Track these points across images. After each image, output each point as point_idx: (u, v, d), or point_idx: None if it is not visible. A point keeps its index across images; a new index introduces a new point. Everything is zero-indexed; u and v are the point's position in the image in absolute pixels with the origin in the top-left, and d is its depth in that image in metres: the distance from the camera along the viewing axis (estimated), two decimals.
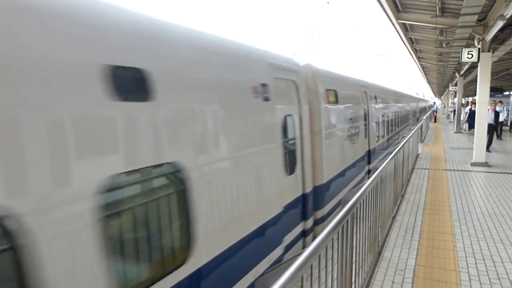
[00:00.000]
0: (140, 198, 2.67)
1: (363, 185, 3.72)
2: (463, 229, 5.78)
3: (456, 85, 25.95)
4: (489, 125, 14.67)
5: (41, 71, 1.97)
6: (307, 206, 5.87)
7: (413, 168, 10.75)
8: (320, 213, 6.29)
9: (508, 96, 29.46)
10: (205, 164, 3.31)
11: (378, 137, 12.19)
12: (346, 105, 8.20)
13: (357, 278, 3.61)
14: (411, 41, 17.31)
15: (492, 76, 30.39)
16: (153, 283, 2.64)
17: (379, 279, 4.22)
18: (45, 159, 1.96)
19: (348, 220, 3.05)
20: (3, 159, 1.80)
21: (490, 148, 14.35)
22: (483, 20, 10.83)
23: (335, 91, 7.38)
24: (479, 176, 9.78)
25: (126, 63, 2.53)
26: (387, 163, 5.27)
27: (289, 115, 5.33)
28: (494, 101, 18.52)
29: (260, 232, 4.26)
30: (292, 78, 5.57)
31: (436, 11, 10.95)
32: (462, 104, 25.86)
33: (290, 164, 5.29)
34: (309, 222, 5.91)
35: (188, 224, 3.03)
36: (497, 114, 16.77)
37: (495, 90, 34.31)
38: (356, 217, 3.94)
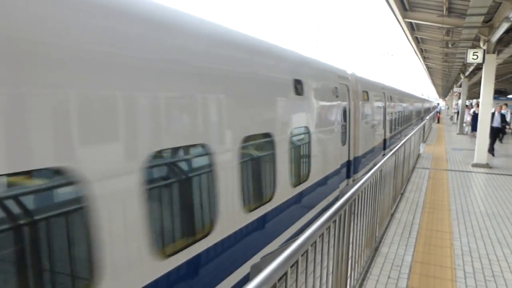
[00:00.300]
0: (285, 146, 5.17)
1: (361, 179, 3.75)
2: (461, 228, 5.82)
3: (460, 86, 25.83)
4: (494, 128, 14.64)
5: (281, 85, 5.15)
6: (350, 169, 8.92)
7: (414, 168, 10.77)
8: (356, 176, 9.12)
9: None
10: (318, 129, 6.50)
11: (391, 129, 15.20)
12: (373, 102, 11.29)
13: (353, 273, 3.66)
14: (417, 41, 17.27)
15: (496, 78, 30.22)
16: (305, 179, 5.91)
17: (375, 274, 4.27)
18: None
19: (346, 210, 3.09)
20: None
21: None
22: (489, 22, 10.80)
23: (367, 92, 10.43)
24: (480, 177, 9.80)
25: (297, 78, 5.56)
26: (386, 160, 5.30)
27: (344, 107, 8.36)
28: (500, 104, 18.51)
29: (331, 175, 7.33)
30: (346, 83, 8.56)
31: (443, 10, 10.94)
32: (467, 106, 25.77)
33: (343, 138, 8.33)
34: (351, 180, 8.90)
35: (310, 160, 6.16)
36: (503, 116, 16.69)
37: (499, 93, 34.23)
38: (354, 213, 3.99)
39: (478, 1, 7.47)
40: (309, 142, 6.08)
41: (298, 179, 5.69)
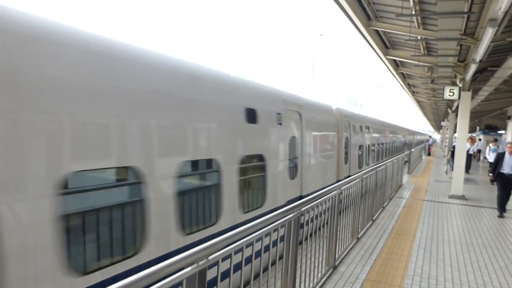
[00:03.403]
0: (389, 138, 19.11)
1: (313, 201, 4.20)
2: (420, 252, 6.25)
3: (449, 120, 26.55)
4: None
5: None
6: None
7: (392, 197, 11.22)
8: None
9: (500, 135, 30.01)
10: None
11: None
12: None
13: (302, 285, 4.08)
14: (403, 76, 18.05)
15: (487, 114, 31.09)
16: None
17: None
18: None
19: (294, 220, 3.58)
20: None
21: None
22: (464, 61, 11.54)
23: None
24: (453, 207, 10.25)
25: None
26: (350, 185, 5.79)
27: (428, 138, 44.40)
28: (495, 139, 19.42)
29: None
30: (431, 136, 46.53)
31: (420, 49, 11.69)
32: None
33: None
34: None
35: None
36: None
37: (490, 128, 35.07)
38: (314, 234, 4.49)
39: (444, 44, 8.15)
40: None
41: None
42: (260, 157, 5.95)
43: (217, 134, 4.89)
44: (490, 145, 18.29)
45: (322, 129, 9.14)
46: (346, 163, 11.23)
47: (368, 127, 14.11)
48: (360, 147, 12.89)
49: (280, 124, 6.55)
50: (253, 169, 5.88)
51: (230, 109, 5.24)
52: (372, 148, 14.95)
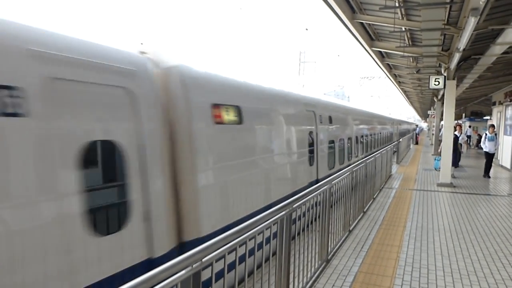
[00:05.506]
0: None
1: (306, 196, 4.23)
2: (411, 242, 6.32)
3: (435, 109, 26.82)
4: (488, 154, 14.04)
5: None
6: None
7: (382, 188, 11.32)
8: None
9: (486, 120, 30.42)
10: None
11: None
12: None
13: (296, 280, 4.11)
14: (389, 67, 18.16)
15: (472, 100, 31.46)
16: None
17: (322, 283, 4.72)
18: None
19: (286, 218, 3.60)
20: None
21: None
22: (448, 50, 11.64)
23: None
24: (442, 195, 10.39)
25: None
26: (340, 179, 5.82)
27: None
28: (492, 125, 15.34)
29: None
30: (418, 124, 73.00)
31: (405, 40, 11.75)
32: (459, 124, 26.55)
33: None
34: None
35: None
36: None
37: (476, 115, 35.59)
38: (306, 229, 4.51)
39: (428, 34, 8.21)
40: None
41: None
42: (408, 130, 43.53)
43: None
44: (487, 132, 14.83)
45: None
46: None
47: (400, 123, 34.03)
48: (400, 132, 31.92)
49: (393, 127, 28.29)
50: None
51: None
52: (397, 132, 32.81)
